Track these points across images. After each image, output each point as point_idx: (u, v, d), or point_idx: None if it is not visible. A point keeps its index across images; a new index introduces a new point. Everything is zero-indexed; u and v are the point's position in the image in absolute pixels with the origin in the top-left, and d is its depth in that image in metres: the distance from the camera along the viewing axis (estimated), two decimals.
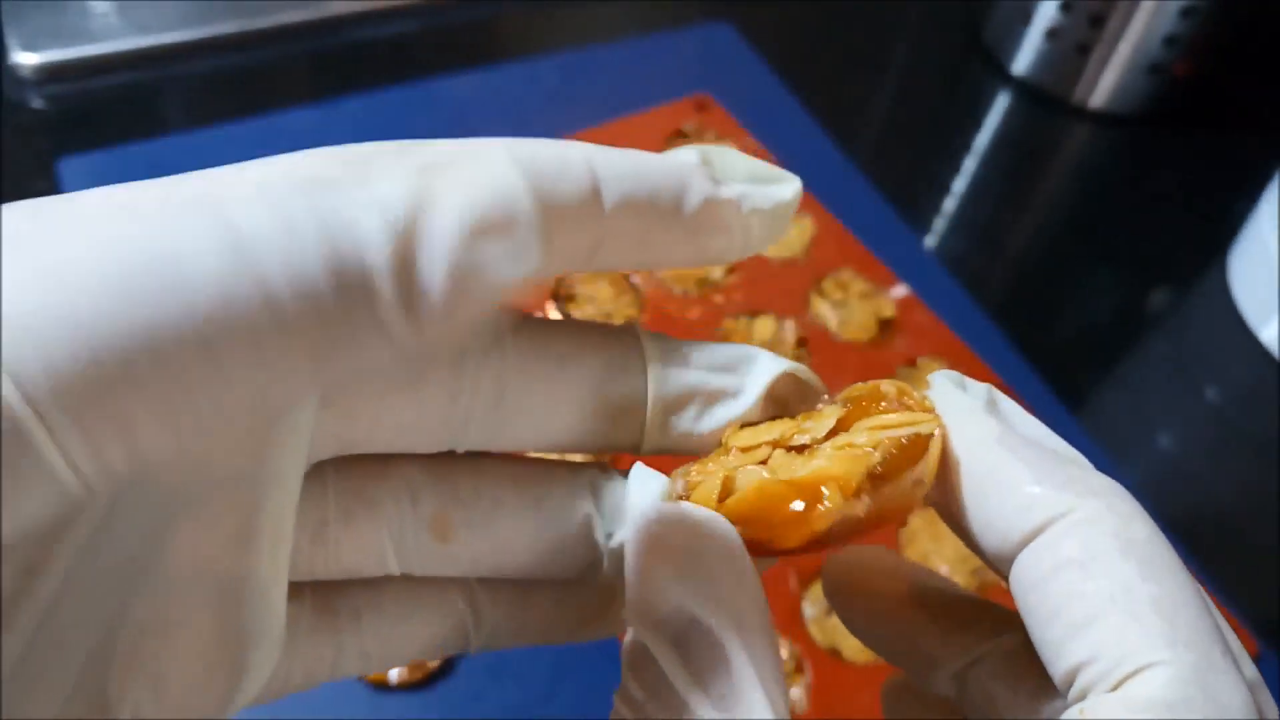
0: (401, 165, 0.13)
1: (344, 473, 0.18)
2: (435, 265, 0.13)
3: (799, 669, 0.41)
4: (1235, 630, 0.16)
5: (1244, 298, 0.59)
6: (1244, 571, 0.48)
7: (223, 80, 0.62)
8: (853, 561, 0.20)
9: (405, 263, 0.12)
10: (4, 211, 0.12)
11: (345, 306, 0.12)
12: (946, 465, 0.17)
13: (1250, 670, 0.16)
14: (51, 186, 0.53)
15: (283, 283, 0.11)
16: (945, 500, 0.18)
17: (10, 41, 0.58)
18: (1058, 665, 0.16)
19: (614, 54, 0.67)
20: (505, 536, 0.19)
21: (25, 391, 0.11)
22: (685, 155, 0.17)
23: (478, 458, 0.19)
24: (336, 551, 0.19)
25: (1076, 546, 0.16)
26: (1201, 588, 0.16)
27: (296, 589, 0.19)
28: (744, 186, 0.18)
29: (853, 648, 0.41)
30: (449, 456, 0.19)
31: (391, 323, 0.13)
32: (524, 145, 0.14)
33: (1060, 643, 0.15)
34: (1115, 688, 0.15)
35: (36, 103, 0.58)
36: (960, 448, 0.17)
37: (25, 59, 0.58)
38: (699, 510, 0.16)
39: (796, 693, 0.40)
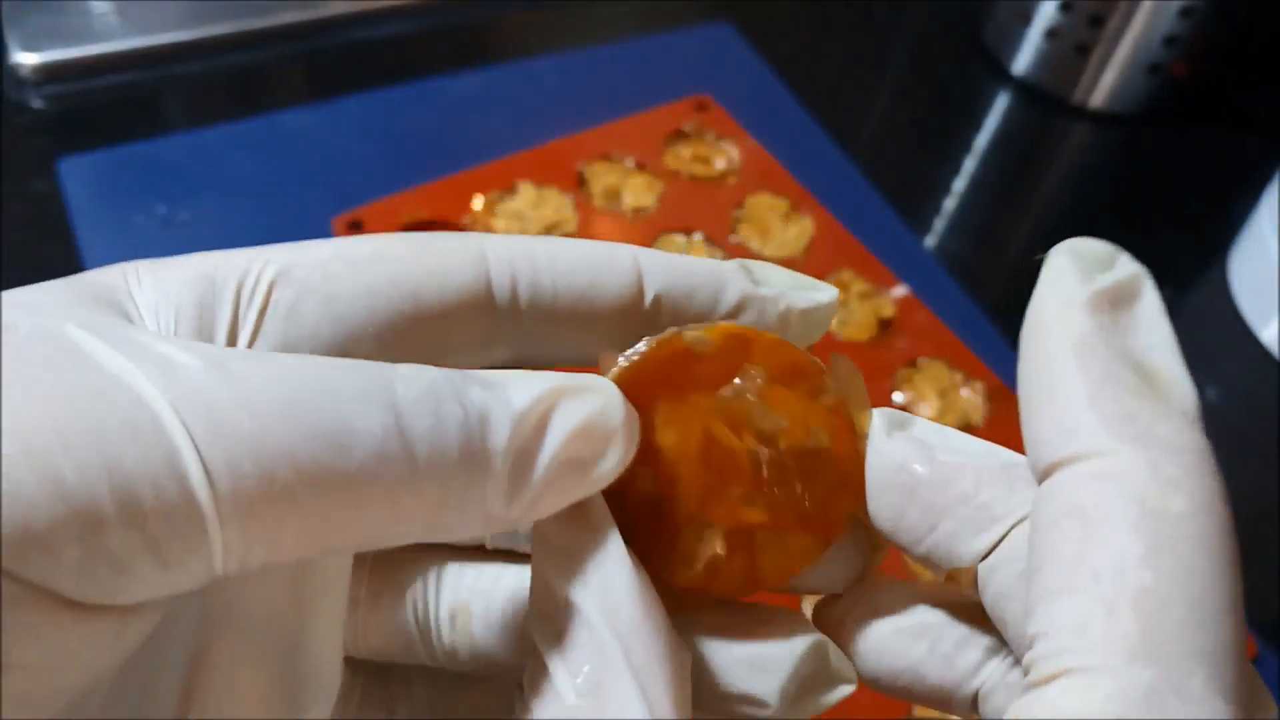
0: (536, 379, 0.15)
1: (381, 555, 0.20)
2: (541, 464, 0.15)
3: None
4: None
5: (1244, 298, 0.59)
6: (1243, 571, 0.48)
7: (222, 80, 0.62)
8: (839, 617, 0.19)
9: (522, 456, 0.15)
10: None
11: (464, 481, 0.14)
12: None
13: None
14: (52, 186, 0.53)
15: (425, 450, 0.14)
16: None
17: (10, 41, 0.58)
18: (1027, 627, 0.14)
19: (614, 54, 0.67)
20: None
21: (215, 488, 0.12)
22: (727, 264, 0.19)
23: (508, 552, 0.20)
24: (365, 633, 0.20)
25: (1091, 498, 0.13)
26: (1240, 607, 0.13)
27: (351, 659, 0.20)
28: (782, 289, 0.19)
29: None
30: (479, 549, 0.20)
31: (493, 503, 0.15)
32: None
33: (1032, 604, 0.14)
34: (1050, 680, 0.13)
35: (36, 103, 0.58)
36: (1031, 348, 0.15)
37: (25, 59, 0.58)
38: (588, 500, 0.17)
39: None
